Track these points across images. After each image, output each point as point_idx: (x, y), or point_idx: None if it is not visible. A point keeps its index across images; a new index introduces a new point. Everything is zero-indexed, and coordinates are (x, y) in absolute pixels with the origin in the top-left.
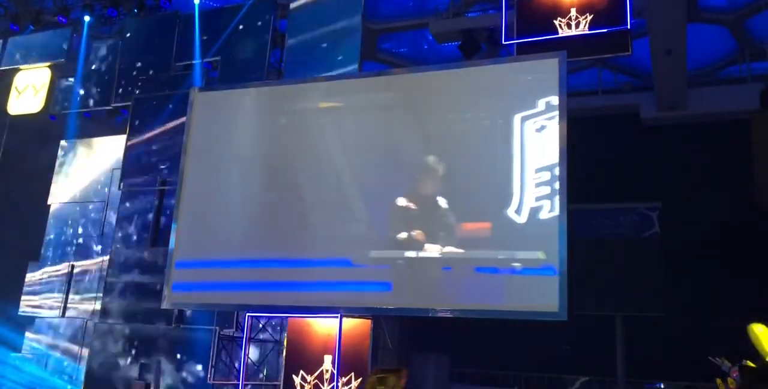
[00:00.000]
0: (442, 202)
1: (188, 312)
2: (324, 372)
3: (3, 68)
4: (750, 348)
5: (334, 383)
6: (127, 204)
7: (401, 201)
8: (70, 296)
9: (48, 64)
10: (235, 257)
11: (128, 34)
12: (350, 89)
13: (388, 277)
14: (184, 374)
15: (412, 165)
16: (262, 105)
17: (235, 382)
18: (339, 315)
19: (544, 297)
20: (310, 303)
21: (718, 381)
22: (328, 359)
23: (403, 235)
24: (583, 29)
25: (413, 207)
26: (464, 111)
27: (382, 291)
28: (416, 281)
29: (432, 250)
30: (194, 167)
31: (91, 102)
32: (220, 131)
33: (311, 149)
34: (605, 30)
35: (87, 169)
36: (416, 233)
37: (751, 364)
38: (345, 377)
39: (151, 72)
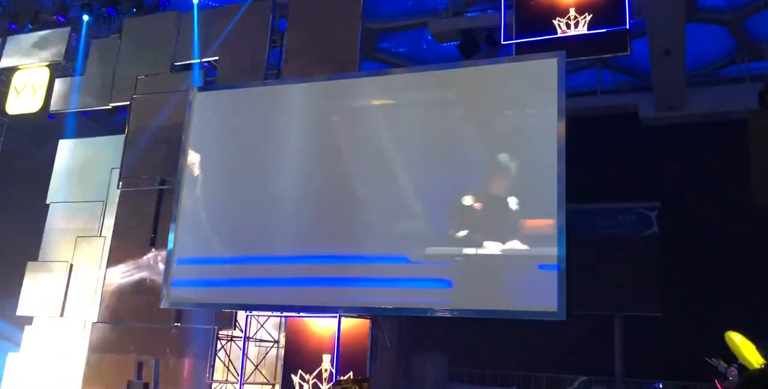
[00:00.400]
0: (510, 199)
1: (188, 312)
2: (323, 371)
3: (1, 67)
4: None
5: (333, 382)
6: (126, 204)
7: (467, 199)
8: (69, 295)
9: (46, 63)
10: (251, 254)
11: (127, 34)
12: (401, 86)
13: (448, 274)
14: (183, 373)
15: (476, 162)
16: (304, 101)
17: (234, 382)
18: (338, 315)
19: (543, 297)
20: (361, 300)
21: (717, 381)
22: (326, 358)
23: (464, 232)
24: (582, 29)
25: (476, 204)
26: (523, 107)
27: (442, 288)
28: (478, 278)
29: (492, 247)
30: (193, 166)
31: (90, 101)
32: (222, 129)
33: (363, 145)
34: (604, 30)
35: (86, 168)
36: (478, 230)
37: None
38: (344, 376)
39: (149, 71)
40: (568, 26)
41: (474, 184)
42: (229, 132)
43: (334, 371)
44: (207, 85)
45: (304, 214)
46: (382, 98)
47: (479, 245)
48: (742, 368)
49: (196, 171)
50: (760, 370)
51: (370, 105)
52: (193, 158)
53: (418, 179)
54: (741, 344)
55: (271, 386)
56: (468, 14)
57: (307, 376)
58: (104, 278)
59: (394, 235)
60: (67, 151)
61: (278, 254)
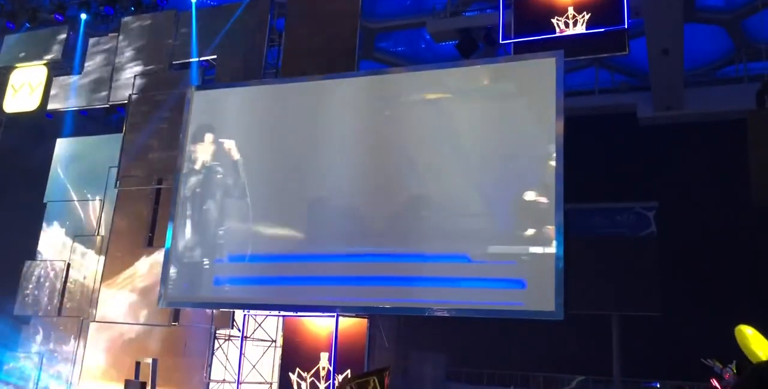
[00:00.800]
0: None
1: (185, 311)
2: (320, 369)
3: None
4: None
5: (331, 381)
6: (124, 203)
7: (529, 195)
8: (66, 294)
9: (44, 62)
10: (294, 253)
11: (125, 32)
12: (453, 80)
13: (518, 274)
14: (181, 373)
15: (537, 155)
16: (350, 96)
17: (232, 381)
18: (336, 314)
19: (541, 297)
20: (421, 300)
21: (714, 380)
22: (324, 356)
23: (531, 230)
24: (581, 28)
25: (542, 200)
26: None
27: (514, 289)
28: (548, 278)
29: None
30: (191, 165)
31: (88, 100)
32: (224, 129)
33: (414, 140)
34: (602, 29)
35: (83, 167)
36: (548, 228)
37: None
38: (341, 374)
39: (147, 70)
40: (566, 25)
41: (531, 181)
42: (262, 129)
43: (331, 368)
44: (205, 84)
45: (357, 212)
46: (435, 92)
47: (546, 244)
48: (741, 368)
49: (194, 170)
50: (767, 362)
51: (424, 99)
52: (191, 156)
53: (474, 175)
54: (752, 337)
55: (268, 385)
56: (466, 14)
57: (304, 374)
58: (101, 278)
59: (453, 233)
60: (64, 150)
61: (327, 253)
